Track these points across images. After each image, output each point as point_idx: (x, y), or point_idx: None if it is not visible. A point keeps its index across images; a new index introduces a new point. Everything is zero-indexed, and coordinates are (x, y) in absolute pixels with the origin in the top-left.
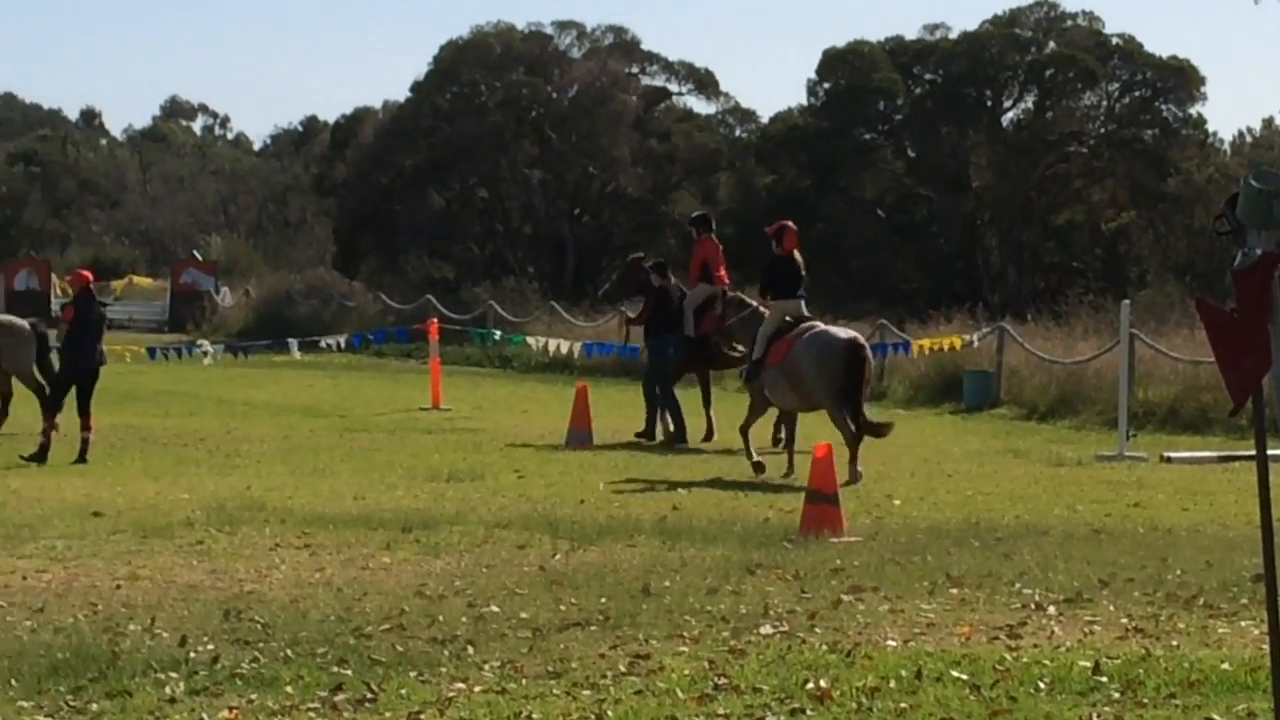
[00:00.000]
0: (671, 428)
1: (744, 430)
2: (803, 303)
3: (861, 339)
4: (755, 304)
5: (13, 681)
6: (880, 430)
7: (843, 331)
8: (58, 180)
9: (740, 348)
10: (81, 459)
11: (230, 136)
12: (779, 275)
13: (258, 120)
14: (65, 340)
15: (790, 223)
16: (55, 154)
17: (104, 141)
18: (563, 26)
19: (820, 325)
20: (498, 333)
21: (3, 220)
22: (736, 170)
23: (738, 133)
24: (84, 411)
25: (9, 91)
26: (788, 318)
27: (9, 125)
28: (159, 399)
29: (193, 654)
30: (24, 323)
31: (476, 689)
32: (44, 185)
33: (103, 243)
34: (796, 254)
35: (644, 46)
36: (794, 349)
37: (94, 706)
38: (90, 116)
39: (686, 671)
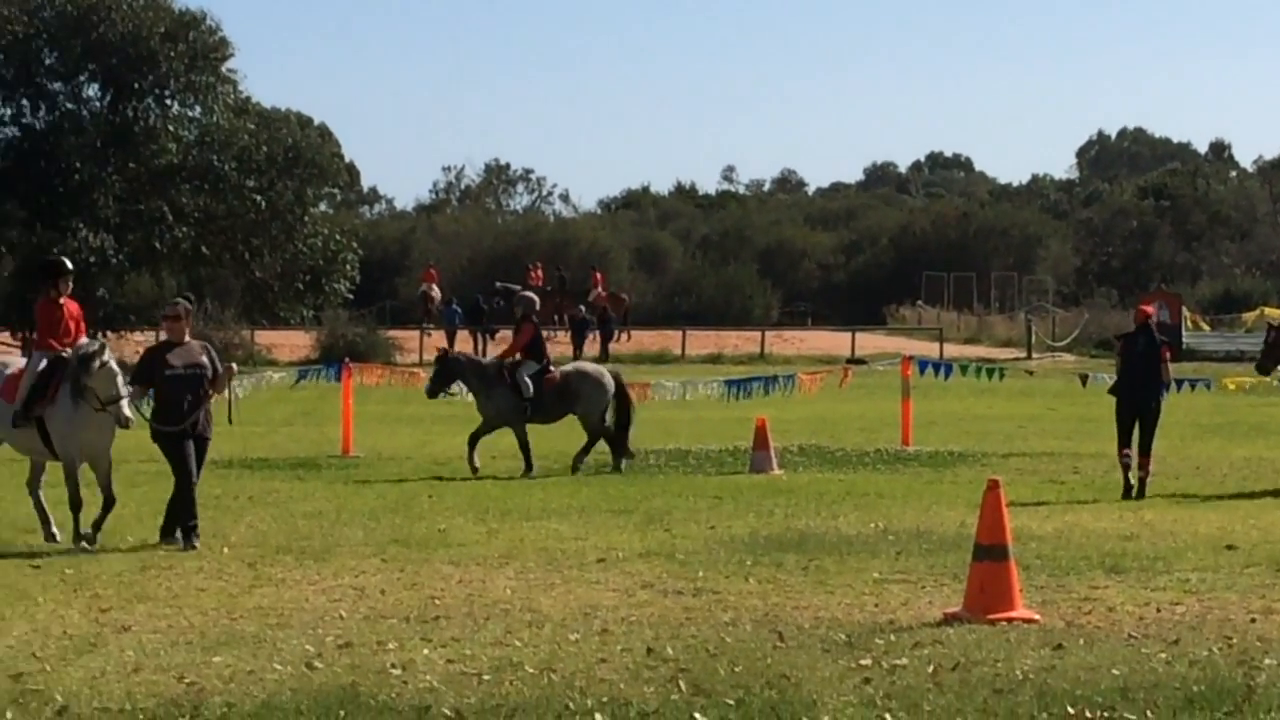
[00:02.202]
0: None
1: None
2: None
3: None
4: None
5: (1148, 713)
6: None
7: None
8: (1188, 213)
9: None
10: (1135, 495)
11: None
12: None
13: None
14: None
15: None
16: (1185, 187)
17: (1233, 173)
18: None
19: None
20: None
21: (1133, 253)
22: None
23: None
24: (1144, 450)
25: (1139, 126)
26: None
27: (1139, 160)
28: None
29: None
30: (607, 373)
31: None
32: (1174, 218)
33: (1232, 275)
34: None
35: None
36: None
37: None
38: (1219, 149)
39: None
